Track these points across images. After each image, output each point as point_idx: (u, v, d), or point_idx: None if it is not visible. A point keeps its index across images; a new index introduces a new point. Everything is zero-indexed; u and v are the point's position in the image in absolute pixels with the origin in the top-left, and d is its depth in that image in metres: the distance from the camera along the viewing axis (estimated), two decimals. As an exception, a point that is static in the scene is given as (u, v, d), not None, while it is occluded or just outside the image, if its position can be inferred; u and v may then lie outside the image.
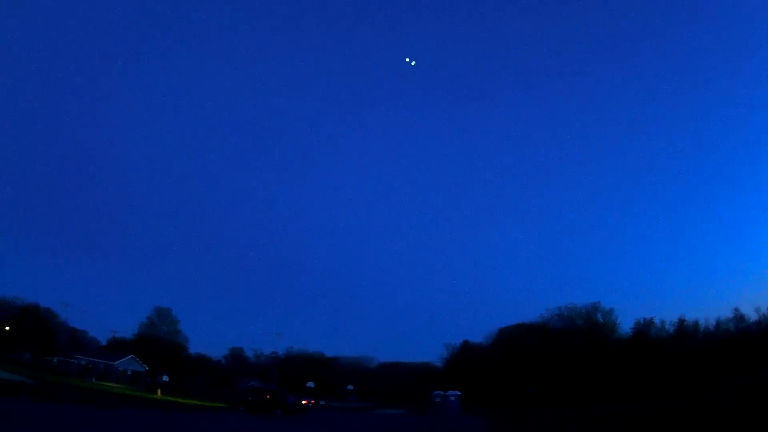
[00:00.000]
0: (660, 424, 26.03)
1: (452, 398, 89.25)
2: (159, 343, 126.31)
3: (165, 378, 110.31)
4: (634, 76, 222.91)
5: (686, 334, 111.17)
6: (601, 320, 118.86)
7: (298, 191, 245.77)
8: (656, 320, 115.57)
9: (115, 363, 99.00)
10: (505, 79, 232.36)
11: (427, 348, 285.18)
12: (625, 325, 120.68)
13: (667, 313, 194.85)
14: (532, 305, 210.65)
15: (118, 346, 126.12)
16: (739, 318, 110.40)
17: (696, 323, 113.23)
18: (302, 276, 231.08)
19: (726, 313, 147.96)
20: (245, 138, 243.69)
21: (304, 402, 64.96)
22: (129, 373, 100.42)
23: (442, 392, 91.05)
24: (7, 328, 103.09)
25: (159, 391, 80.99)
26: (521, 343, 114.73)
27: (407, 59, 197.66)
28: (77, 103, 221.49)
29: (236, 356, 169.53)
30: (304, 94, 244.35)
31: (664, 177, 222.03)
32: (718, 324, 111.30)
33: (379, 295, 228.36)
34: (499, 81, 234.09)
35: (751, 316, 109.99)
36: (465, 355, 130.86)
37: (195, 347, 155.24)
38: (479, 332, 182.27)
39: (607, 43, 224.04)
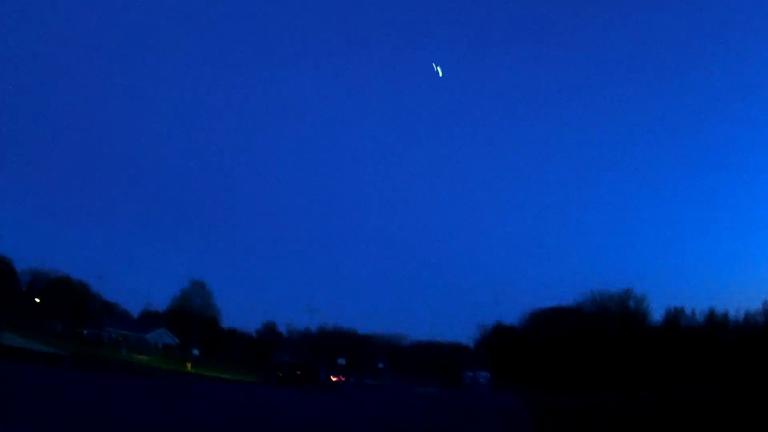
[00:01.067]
0: (700, 413, 24.87)
1: (483, 378, 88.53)
2: (191, 316, 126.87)
3: (196, 352, 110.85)
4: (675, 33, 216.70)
5: (717, 324, 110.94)
6: (633, 307, 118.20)
7: (340, 164, 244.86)
8: (687, 309, 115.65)
9: (147, 335, 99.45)
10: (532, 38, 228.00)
11: (459, 328, 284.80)
12: (656, 313, 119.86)
13: (697, 302, 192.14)
14: (564, 288, 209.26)
15: (150, 319, 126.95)
16: None
17: (726, 314, 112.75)
18: (338, 253, 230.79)
19: (756, 305, 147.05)
20: (285, 107, 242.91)
21: (334, 378, 64.37)
22: (160, 345, 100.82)
23: (471, 372, 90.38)
24: (37, 300, 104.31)
25: (189, 365, 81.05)
26: (555, 327, 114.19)
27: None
28: (107, 73, 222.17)
29: (269, 331, 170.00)
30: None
31: (701, 164, 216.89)
32: (747, 317, 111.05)
33: (414, 274, 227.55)
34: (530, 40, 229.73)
35: None
36: (497, 336, 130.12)
37: (228, 321, 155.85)
38: (510, 313, 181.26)
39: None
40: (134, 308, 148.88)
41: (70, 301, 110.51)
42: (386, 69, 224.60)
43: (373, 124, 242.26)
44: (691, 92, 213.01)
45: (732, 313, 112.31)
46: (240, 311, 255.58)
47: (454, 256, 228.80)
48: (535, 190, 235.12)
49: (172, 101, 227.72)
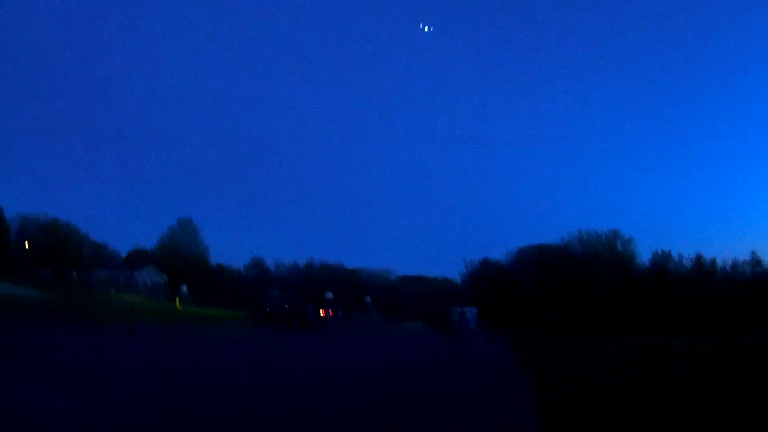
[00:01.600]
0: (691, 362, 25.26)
1: (469, 315, 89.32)
2: (180, 253, 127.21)
3: (184, 289, 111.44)
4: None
5: (704, 271, 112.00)
6: (621, 249, 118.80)
7: (321, 105, 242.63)
8: (674, 254, 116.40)
9: (135, 274, 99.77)
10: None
11: (446, 263, 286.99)
12: (643, 255, 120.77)
13: (683, 247, 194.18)
14: (552, 226, 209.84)
15: (138, 258, 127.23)
16: (756, 262, 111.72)
17: (713, 261, 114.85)
18: (324, 187, 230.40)
19: (743, 255, 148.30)
20: (268, 52, 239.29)
21: (321, 313, 65.00)
22: (149, 284, 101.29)
23: (459, 308, 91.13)
24: (27, 245, 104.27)
25: (177, 302, 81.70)
26: (541, 265, 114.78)
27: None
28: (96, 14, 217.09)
29: (257, 266, 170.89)
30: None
31: (688, 113, 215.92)
32: (734, 265, 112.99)
33: (400, 208, 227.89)
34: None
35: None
36: (484, 273, 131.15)
37: (216, 257, 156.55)
38: (499, 250, 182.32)
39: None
40: (123, 248, 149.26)
41: (59, 244, 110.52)
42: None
43: (350, 55, 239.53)
44: (689, 38, 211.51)
45: (719, 262, 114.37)
46: (228, 247, 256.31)
47: (441, 191, 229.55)
48: (524, 126, 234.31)
49: (161, 44, 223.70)
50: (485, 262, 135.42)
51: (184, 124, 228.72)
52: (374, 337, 56.19)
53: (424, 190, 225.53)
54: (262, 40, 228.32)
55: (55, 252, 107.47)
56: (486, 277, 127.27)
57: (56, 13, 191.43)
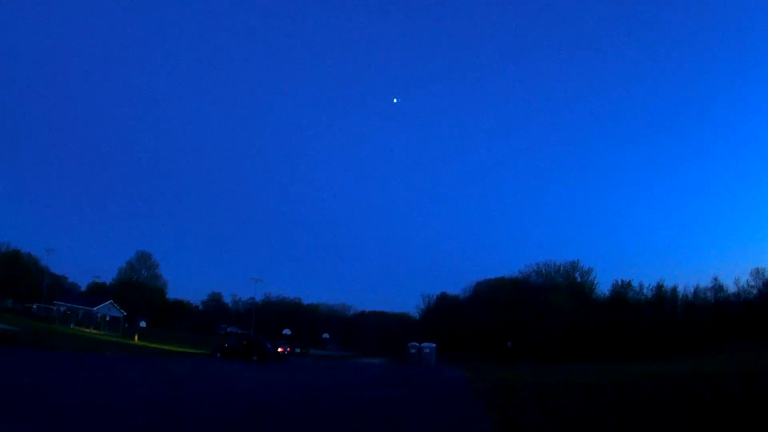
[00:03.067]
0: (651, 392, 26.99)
1: (427, 350, 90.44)
2: (138, 287, 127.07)
3: (143, 323, 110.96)
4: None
5: (665, 299, 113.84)
6: (580, 279, 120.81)
7: (281, 141, 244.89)
8: (634, 283, 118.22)
9: (94, 309, 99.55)
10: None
11: (405, 299, 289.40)
12: (603, 286, 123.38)
13: (645, 277, 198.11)
14: (511, 261, 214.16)
15: (97, 292, 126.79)
16: (718, 288, 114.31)
17: (674, 289, 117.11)
18: (282, 224, 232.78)
19: (705, 282, 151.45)
20: (226, 84, 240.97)
21: (280, 349, 65.86)
22: (108, 318, 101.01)
23: (417, 343, 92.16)
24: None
25: (136, 337, 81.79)
26: (499, 297, 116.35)
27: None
28: (55, 49, 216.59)
29: (215, 301, 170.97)
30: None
31: (647, 145, 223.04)
32: (697, 292, 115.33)
33: (359, 245, 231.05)
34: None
35: (730, 287, 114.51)
36: (442, 307, 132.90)
37: (174, 292, 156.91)
38: (458, 285, 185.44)
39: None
40: (83, 281, 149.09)
41: (20, 276, 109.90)
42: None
43: (311, 86, 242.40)
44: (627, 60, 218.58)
45: (681, 290, 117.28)
46: (186, 283, 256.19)
47: (400, 228, 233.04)
48: (483, 162, 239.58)
49: (115, 75, 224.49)
50: (443, 297, 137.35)
51: (145, 161, 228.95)
52: (334, 366, 57.75)
53: (382, 226, 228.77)
54: (222, 78, 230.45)
55: (16, 283, 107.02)
56: (443, 311, 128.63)
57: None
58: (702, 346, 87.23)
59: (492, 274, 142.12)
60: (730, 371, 30.94)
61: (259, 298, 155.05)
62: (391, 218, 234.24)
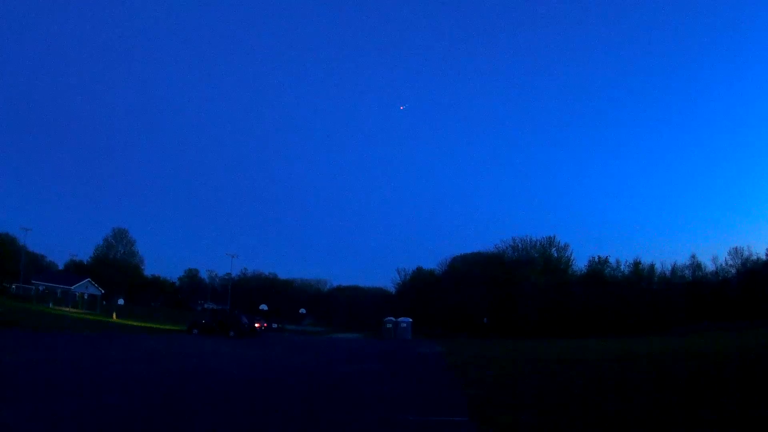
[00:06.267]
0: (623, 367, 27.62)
1: (404, 325, 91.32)
2: (115, 265, 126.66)
3: (120, 301, 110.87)
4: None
5: (642, 276, 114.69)
6: (556, 255, 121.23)
7: (257, 116, 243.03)
8: (611, 260, 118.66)
9: (72, 287, 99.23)
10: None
11: (382, 273, 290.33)
12: (580, 262, 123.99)
13: (622, 254, 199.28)
14: (487, 236, 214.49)
15: (75, 270, 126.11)
16: (695, 266, 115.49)
17: (652, 266, 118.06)
18: (258, 199, 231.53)
19: (683, 259, 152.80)
20: (202, 63, 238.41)
21: (257, 325, 66.21)
22: (86, 296, 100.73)
23: (393, 318, 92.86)
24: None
25: (114, 315, 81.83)
26: (475, 272, 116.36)
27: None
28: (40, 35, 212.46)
29: (192, 277, 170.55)
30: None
31: (627, 120, 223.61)
32: (674, 269, 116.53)
33: (335, 219, 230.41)
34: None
35: (708, 265, 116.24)
36: (418, 281, 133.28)
37: (151, 269, 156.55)
38: (434, 260, 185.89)
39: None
40: (60, 260, 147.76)
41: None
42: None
43: (294, 59, 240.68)
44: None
45: (658, 266, 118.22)
46: (163, 259, 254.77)
47: (377, 202, 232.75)
48: (460, 138, 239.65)
49: (95, 47, 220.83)
50: (419, 271, 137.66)
51: (119, 137, 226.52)
52: (310, 341, 58.38)
53: (358, 200, 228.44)
54: (197, 54, 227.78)
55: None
56: (419, 286, 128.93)
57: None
58: (678, 325, 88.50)
59: (468, 249, 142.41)
60: (704, 352, 31.54)
61: (235, 273, 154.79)
62: (367, 192, 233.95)
